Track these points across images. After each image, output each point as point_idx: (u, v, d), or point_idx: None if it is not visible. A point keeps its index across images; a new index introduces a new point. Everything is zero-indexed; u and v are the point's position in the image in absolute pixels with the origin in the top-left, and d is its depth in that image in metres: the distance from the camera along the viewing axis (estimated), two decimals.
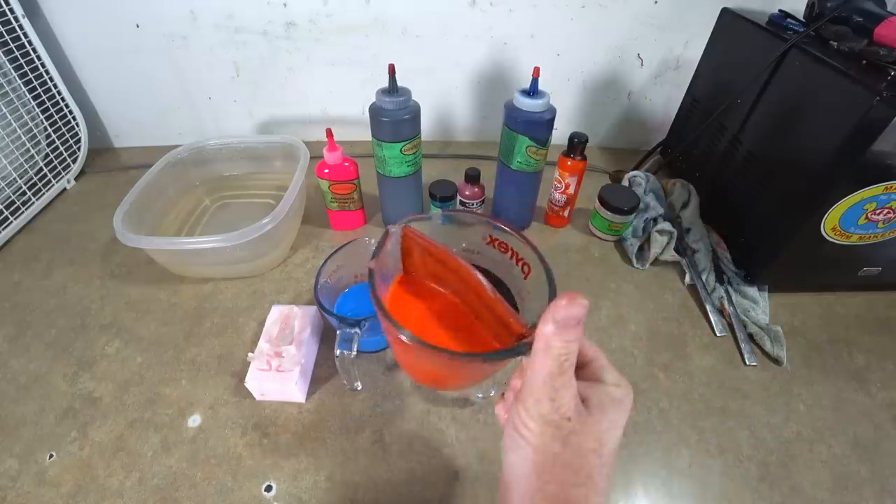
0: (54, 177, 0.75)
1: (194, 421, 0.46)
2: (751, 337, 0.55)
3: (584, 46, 0.79)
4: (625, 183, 0.74)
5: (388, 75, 0.54)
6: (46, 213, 0.72)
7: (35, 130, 0.72)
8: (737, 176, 0.63)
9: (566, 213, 0.70)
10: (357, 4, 0.74)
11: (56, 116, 0.74)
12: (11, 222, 0.67)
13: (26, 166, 0.70)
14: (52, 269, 0.62)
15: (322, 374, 0.50)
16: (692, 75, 0.75)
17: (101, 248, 0.66)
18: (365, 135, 0.62)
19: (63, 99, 0.75)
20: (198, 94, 0.83)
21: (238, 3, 0.73)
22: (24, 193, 0.69)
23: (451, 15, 0.75)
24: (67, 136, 0.77)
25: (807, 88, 0.52)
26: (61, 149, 0.76)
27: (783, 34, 0.56)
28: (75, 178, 0.79)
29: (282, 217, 0.55)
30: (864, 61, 0.48)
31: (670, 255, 0.63)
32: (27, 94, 0.70)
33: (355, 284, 0.55)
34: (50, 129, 0.73)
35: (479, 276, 0.30)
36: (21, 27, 0.67)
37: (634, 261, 0.64)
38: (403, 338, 0.25)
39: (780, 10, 0.60)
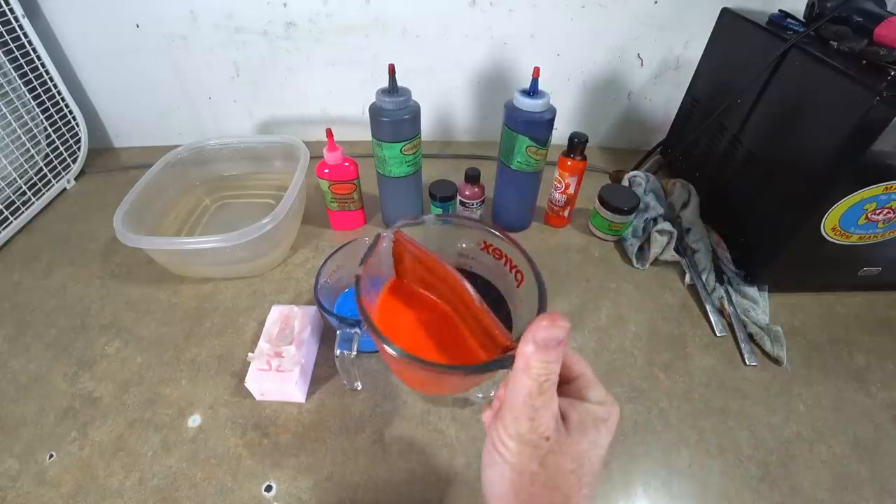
0: (54, 177, 0.75)
1: (194, 421, 0.46)
2: (751, 337, 0.55)
3: (584, 46, 0.79)
4: (625, 183, 0.74)
5: (388, 75, 0.54)
6: (46, 213, 0.72)
7: (35, 130, 0.72)
8: (737, 176, 0.63)
9: (566, 213, 0.70)
10: (357, 4, 0.74)
11: (56, 116, 0.74)
12: (11, 222, 0.67)
13: (26, 166, 0.70)
14: (52, 269, 0.62)
15: (322, 374, 0.50)
16: (692, 75, 0.75)
17: (101, 248, 0.66)
18: (365, 135, 0.62)
19: (63, 99, 0.75)
20: (198, 94, 0.83)
21: (238, 3, 0.73)
22: (24, 193, 0.69)
23: (451, 15, 0.75)
24: (67, 136, 0.77)
25: (807, 88, 0.52)
26: (61, 149, 0.76)
27: (783, 34, 0.56)
28: (75, 178, 0.79)
29: (282, 217, 0.55)
30: (864, 61, 0.48)
31: (670, 255, 0.63)
32: (27, 94, 0.70)
33: None
34: (50, 129, 0.73)
35: (468, 285, 0.30)
36: (21, 27, 0.67)
37: (634, 261, 0.64)
38: (387, 349, 0.25)
39: (780, 10, 0.60)
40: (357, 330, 0.43)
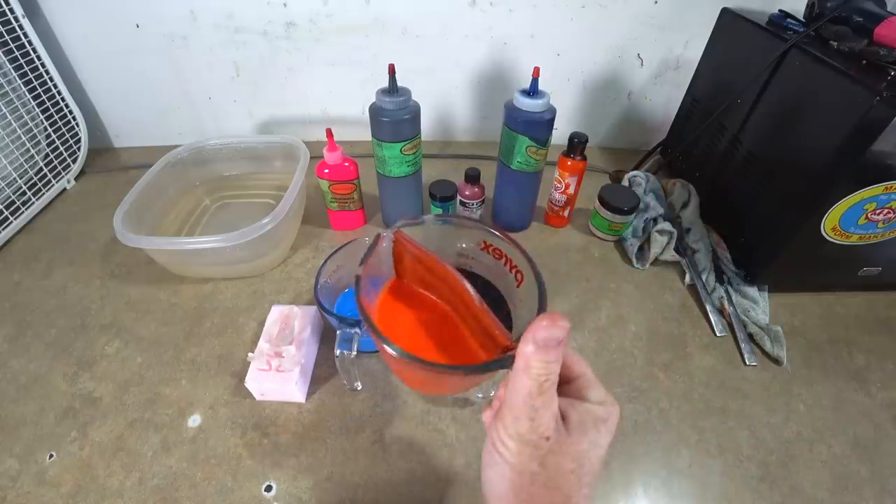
0: (54, 177, 0.75)
1: (194, 421, 0.46)
2: (751, 337, 0.55)
3: (584, 46, 0.79)
4: (625, 183, 0.74)
5: (388, 75, 0.54)
6: (46, 213, 0.72)
7: (35, 130, 0.72)
8: (737, 176, 0.63)
9: (566, 213, 0.70)
10: (357, 4, 0.74)
11: (56, 116, 0.74)
12: (11, 222, 0.67)
13: (26, 166, 0.70)
14: (52, 269, 0.62)
15: (322, 374, 0.50)
16: (692, 75, 0.75)
17: (101, 248, 0.66)
18: (365, 135, 0.62)
19: (63, 99, 0.75)
20: (198, 94, 0.83)
21: (238, 3, 0.73)
22: (24, 193, 0.69)
23: (451, 15, 0.75)
24: (67, 136, 0.77)
25: (807, 88, 0.52)
26: (61, 149, 0.76)
27: (783, 34, 0.56)
28: (75, 178, 0.79)
29: (282, 217, 0.55)
30: (864, 61, 0.48)
31: (670, 255, 0.63)
32: (27, 94, 0.70)
33: None
34: (50, 129, 0.73)
35: (468, 285, 0.30)
36: (21, 27, 0.67)
37: (634, 261, 0.64)
38: (387, 349, 0.25)
39: (780, 10, 0.60)
40: (357, 330, 0.43)
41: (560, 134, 0.67)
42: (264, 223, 0.53)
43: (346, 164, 0.62)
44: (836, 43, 0.51)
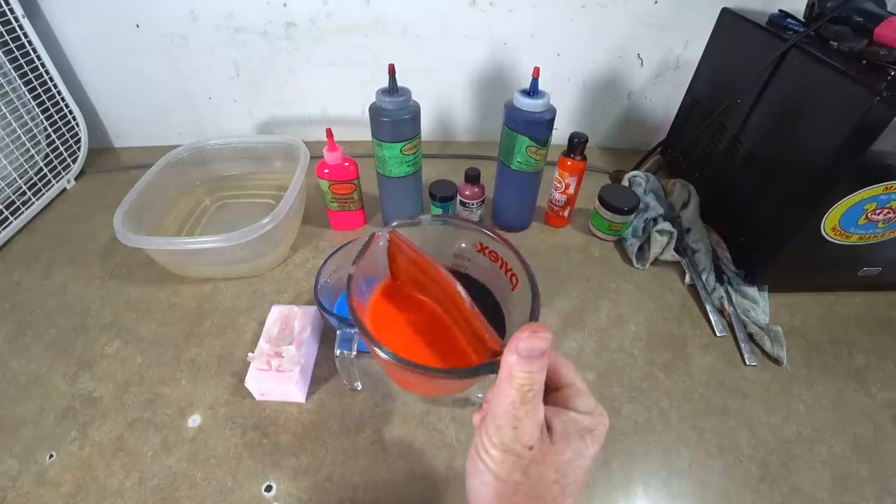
0: (54, 177, 0.75)
1: (194, 421, 0.46)
2: (751, 337, 0.55)
3: (584, 46, 0.79)
4: (625, 183, 0.74)
5: (388, 75, 0.54)
6: (46, 213, 0.72)
7: (35, 130, 0.72)
8: (737, 176, 0.63)
9: (566, 213, 0.70)
10: (357, 4, 0.74)
11: (56, 116, 0.74)
12: (11, 222, 0.67)
13: (26, 166, 0.70)
14: (52, 269, 0.62)
15: (322, 374, 0.50)
16: (692, 75, 0.75)
17: (101, 248, 0.66)
18: (365, 135, 0.62)
19: (63, 99, 0.75)
20: (198, 94, 0.83)
21: (238, 3, 0.73)
22: (24, 193, 0.69)
23: (451, 15, 0.75)
24: (67, 136, 0.77)
25: (807, 88, 0.52)
26: (61, 149, 0.76)
27: (783, 34, 0.56)
28: (75, 178, 0.79)
29: (282, 217, 0.55)
30: (864, 61, 0.48)
31: (670, 255, 0.63)
32: (27, 94, 0.70)
33: None
34: (50, 129, 0.73)
35: (460, 287, 0.30)
36: (21, 27, 0.67)
37: (634, 261, 0.64)
38: (377, 351, 0.25)
39: (780, 10, 0.60)
40: (357, 330, 0.43)
41: (560, 134, 0.67)
42: (264, 223, 0.53)
43: (346, 164, 0.62)
44: (836, 43, 0.51)
